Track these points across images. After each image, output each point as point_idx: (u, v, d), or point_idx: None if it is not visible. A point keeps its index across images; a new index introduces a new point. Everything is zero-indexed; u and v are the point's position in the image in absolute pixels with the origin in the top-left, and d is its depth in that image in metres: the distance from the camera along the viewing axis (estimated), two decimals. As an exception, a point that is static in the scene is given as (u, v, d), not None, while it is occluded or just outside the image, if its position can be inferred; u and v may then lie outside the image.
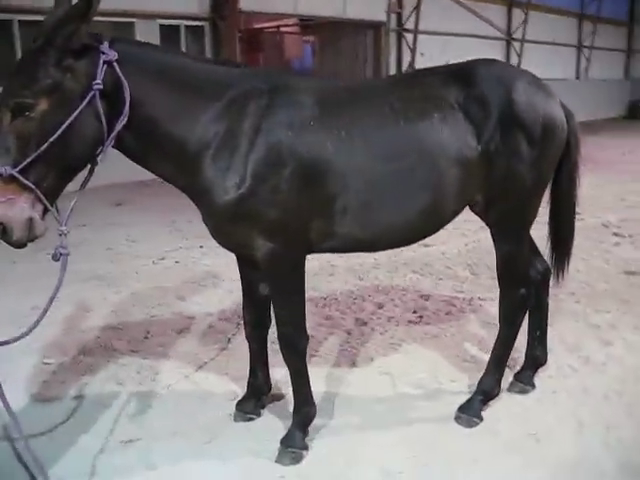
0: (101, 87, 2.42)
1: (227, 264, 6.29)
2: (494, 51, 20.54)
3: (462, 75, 3.09)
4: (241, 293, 3.34)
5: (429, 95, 3.00)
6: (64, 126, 2.35)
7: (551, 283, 3.77)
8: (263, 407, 3.52)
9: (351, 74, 16.22)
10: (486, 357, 4.21)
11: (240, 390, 3.67)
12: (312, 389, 3.22)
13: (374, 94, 3.01)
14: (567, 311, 5.01)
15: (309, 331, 4.50)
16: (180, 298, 5.38)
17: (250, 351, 3.47)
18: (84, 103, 2.40)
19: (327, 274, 6.00)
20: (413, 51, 17.10)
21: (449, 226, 3.41)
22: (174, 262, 6.42)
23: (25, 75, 2.34)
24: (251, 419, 3.42)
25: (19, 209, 2.32)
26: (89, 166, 2.60)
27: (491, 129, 3.00)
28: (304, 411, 3.14)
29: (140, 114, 2.57)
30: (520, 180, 3.11)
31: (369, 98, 2.98)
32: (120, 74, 2.47)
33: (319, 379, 3.87)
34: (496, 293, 5.39)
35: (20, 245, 2.39)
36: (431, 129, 2.93)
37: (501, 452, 3.17)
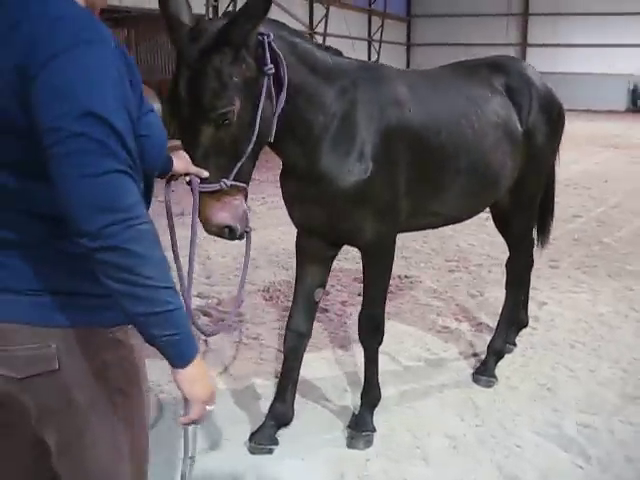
0: (273, 71, 2.38)
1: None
2: (301, 45, 21.29)
3: (498, 67, 3.53)
4: (294, 301, 3.16)
5: (484, 82, 3.39)
6: (258, 119, 2.33)
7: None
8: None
9: (169, 69, 15.80)
10: (454, 325, 4.66)
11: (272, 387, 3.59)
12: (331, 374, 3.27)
13: (445, 81, 3.33)
14: (493, 281, 5.54)
15: (275, 324, 4.60)
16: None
17: (283, 369, 3.20)
18: (264, 90, 2.37)
19: (252, 267, 5.97)
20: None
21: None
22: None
23: (212, 82, 2.23)
24: (270, 451, 3.07)
25: (235, 208, 2.37)
26: None
27: (527, 112, 3.45)
28: (373, 394, 3.23)
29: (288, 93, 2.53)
30: (543, 157, 3.63)
31: (444, 85, 3.28)
32: (279, 52, 2.42)
33: (322, 363, 3.99)
34: (421, 270, 5.94)
35: (241, 237, 2.41)
36: (495, 112, 3.30)
37: (529, 403, 3.54)
